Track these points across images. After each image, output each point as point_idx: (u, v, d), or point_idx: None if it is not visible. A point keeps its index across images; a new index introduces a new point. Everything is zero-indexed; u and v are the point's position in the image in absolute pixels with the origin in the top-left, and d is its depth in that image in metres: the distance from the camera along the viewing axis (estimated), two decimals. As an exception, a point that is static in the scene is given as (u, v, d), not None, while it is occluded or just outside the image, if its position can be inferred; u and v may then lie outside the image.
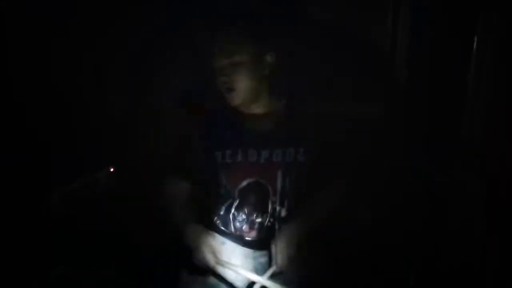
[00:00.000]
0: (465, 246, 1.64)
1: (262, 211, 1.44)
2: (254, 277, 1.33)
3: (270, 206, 1.44)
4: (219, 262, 1.35)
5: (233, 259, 1.40)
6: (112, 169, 1.62)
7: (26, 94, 1.92)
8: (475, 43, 1.55)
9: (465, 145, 1.66)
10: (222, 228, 1.47)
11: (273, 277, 1.34)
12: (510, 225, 1.50)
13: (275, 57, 1.41)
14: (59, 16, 1.96)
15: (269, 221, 1.44)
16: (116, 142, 1.80)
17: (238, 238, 1.45)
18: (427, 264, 1.68)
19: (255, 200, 1.44)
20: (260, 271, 1.39)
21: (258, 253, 1.44)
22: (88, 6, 1.95)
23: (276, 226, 1.43)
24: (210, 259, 1.34)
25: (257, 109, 1.44)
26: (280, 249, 1.36)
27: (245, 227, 1.45)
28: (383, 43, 1.79)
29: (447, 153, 1.69)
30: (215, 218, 1.48)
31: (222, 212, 1.47)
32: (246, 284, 1.38)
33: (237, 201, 1.44)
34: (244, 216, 1.45)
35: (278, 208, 1.44)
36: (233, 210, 1.45)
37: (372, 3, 1.79)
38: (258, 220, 1.44)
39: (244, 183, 1.43)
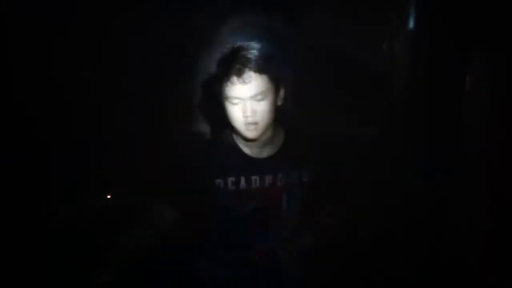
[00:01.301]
0: (466, 254, 1.69)
1: (266, 232, 1.49)
2: None
3: (274, 227, 1.49)
4: None
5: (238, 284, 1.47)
6: (109, 196, 1.64)
7: (25, 95, 1.92)
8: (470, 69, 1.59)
9: (463, 168, 1.70)
10: (226, 253, 1.51)
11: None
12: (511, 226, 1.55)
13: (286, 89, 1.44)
14: (59, 16, 1.96)
15: (273, 242, 1.50)
16: (115, 171, 1.82)
17: (243, 262, 1.50)
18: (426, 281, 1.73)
19: (259, 222, 1.48)
20: None
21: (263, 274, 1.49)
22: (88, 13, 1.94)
23: (280, 247, 1.48)
24: None
25: (262, 136, 1.45)
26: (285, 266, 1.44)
27: (249, 250, 1.50)
28: (380, 68, 1.83)
29: (446, 172, 1.74)
30: (218, 240, 1.53)
31: (225, 235, 1.51)
32: None
33: (240, 224, 1.48)
34: (247, 238, 1.50)
35: (282, 229, 1.50)
36: (236, 233, 1.50)
37: (370, 31, 1.81)
38: (262, 242, 1.50)
39: (249, 207, 1.47)
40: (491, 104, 1.57)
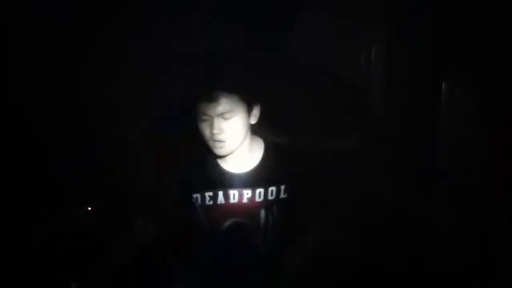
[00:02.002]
0: (444, 276, 1.68)
1: (245, 250, 1.46)
2: None
3: (253, 245, 1.47)
4: None
5: None
6: (90, 208, 1.65)
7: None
8: (446, 80, 1.56)
9: (440, 175, 1.69)
10: (203, 268, 1.49)
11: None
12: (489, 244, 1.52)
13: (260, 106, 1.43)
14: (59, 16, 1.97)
15: (252, 259, 1.47)
16: (95, 183, 1.84)
17: (220, 279, 1.47)
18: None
19: (237, 238, 1.46)
20: None
21: None
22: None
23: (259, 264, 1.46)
24: None
25: (239, 151, 1.45)
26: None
27: (227, 266, 1.46)
28: (358, 80, 1.83)
29: (424, 186, 1.72)
30: (195, 259, 1.50)
31: (202, 254, 1.49)
32: None
33: (218, 241, 1.46)
34: (226, 256, 1.46)
35: (260, 245, 1.48)
36: (214, 250, 1.47)
37: (347, 43, 1.79)
38: (241, 259, 1.46)
39: (227, 223, 1.45)
40: (470, 109, 1.54)
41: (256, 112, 1.42)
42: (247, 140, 1.45)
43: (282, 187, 1.47)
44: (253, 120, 1.42)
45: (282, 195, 1.48)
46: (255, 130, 1.46)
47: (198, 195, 1.46)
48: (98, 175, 1.82)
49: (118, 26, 1.85)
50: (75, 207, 1.65)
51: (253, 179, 1.47)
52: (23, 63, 1.98)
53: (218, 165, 1.48)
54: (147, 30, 1.85)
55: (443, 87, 1.58)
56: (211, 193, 1.46)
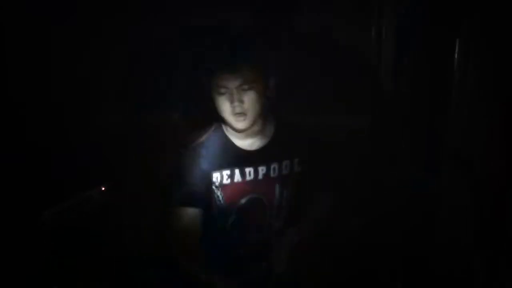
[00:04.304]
0: (452, 254, 1.67)
1: (260, 225, 1.51)
2: None
3: (267, 220, 1.51)
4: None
5: (230, 273, 1.44)
6: (103, 188, 1.63)
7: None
8: (457, 54, 1.56)
9: (451, 155, 1.69)
10: (220, 245, 1.51)
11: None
12: (497, 235, 1.52)
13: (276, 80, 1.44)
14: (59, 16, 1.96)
15: (266, 234, 1.51)
16: (111, 162, 1.83)
17: (235, 253, 1.51)
18: (414, 272, 1.71)
19: (253, 215, 1.49)
20: (256, 284, 1.45)
21: (254, 266, 1.49)
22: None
23: (273, 239, 1.48)
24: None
25: (253, 128, 1.45)
26: (277, 260, 1.43)
27: (242, 242, 1.50)
28: (368, 57, 1.86)
29: (433, 163, 1.72)
30: (212, 235, 1.52)
31: (219, 230, 1.51)
32: None
33: (235, 218, 1.49)
34: (242, 232, 1.50)
35: (274, 220, 1.51)
36: (230, 227, 1.50)
37: (357, 19, 1.82)
38: (256, 234, 1.51)
39: (243, 200, 1.48)
40: (479, 93, 1.55)
41: (273, 84, 1.43)
42: (262, 117, 1.46)
43: (296, 160, 1.50)
44: (270, 93, 1.43)
45: (295, 169, 1.50)
46: (268, 107, 1.47)
47: (218, 174, 1.46)
48: (114, 157, 1.81)
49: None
50: (89, 188, 1.62)
51: (267, 155, 1.48)
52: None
53: (233, 144, 1.49)
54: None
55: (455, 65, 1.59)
56: (228, 172, 1.46)
